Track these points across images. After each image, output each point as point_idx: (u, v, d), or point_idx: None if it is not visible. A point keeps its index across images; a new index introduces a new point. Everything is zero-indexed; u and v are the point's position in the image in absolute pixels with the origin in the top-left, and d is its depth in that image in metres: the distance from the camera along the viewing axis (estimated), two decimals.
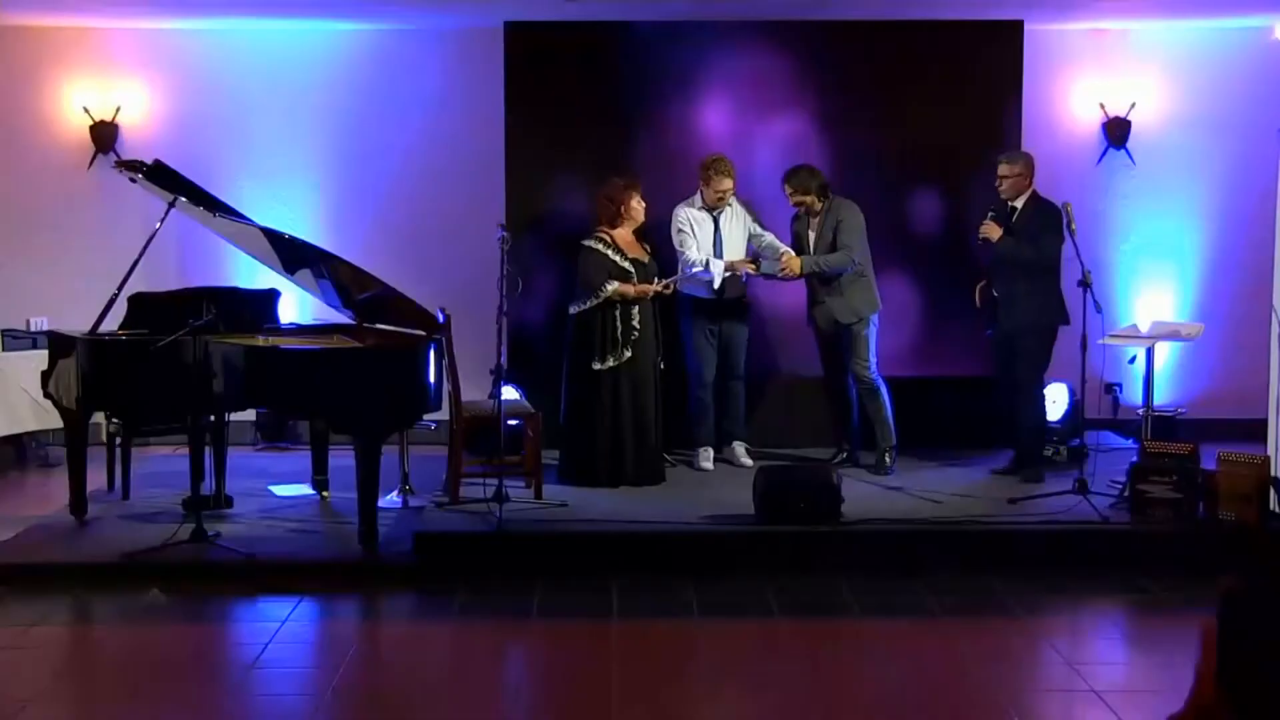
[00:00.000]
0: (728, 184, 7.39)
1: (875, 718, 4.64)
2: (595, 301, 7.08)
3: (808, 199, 7.41)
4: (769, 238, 7.50)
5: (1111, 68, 8.67)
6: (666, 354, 7.36)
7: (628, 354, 7.10)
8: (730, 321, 7.61)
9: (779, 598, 5.76)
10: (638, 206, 7.21)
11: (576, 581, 5.98)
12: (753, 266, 7.49)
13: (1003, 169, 7.13)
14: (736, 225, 7.54)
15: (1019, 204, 7.13)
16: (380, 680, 5.02)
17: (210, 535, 6.19)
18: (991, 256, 7.19)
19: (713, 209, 7.47)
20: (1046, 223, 7.04)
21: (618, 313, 7.10)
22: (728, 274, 7.38)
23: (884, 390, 7.44)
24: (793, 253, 7.37)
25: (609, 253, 7.12)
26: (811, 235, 7.48)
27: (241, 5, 8.06)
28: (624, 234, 7.20)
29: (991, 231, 7.08)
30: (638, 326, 7.12)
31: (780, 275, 7.40)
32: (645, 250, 7.29)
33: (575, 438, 7.22)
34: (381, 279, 6.68)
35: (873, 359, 7.42)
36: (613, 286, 7.06)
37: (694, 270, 7.33)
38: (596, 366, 7.08)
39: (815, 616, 5.61)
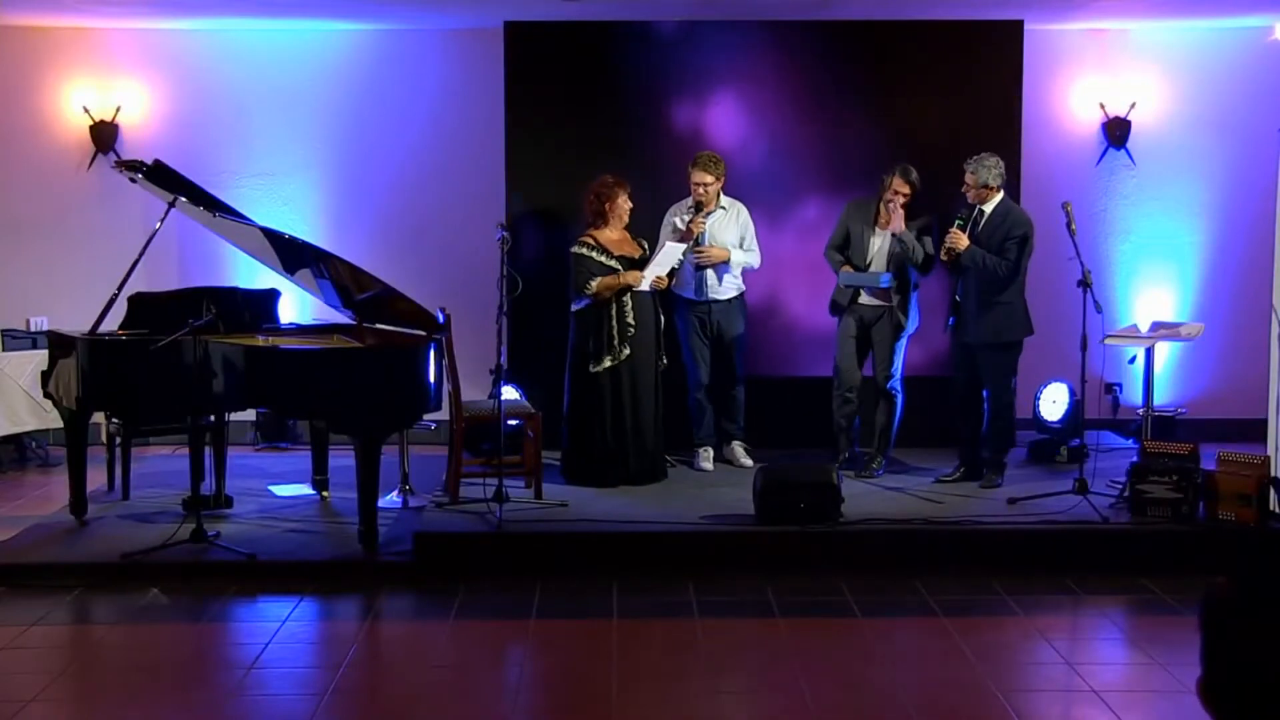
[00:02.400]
0: (703, 178, 7.30)
1: (875, 718, 4.64)
2: (588, 301, 7.08)
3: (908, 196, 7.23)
4: (746, 256, 7.44)
5: (1111, 68, 8.65)
6: (667, 353, 7.36)
7: (626, 352, 7.09)
8: (725, 321, 7.56)
9: (779, 598, 5.76)
10: (624, 205, 7.17)
11: (576, 581, 5.98)
12: (703, 230, 7.31)
13: (968, 177, 6.94)
14: (729, 231, 7.45)
15: (988, 209, 6.95)
16: (380, 680, 5.02)
17: (210, 535, 6.20)
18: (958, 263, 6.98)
19: (700, 208, 7.42)
20: (1012, 233, 6.85)
21: (614, 310, 7.09)
22: (689, 254, 7.30)
23: (900, 400, 7.39)
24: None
25: (593, 254, 7.09)
26: (882, 238, 7.24)
27: (241, 5, 8.06)
28: (609, 234, 7.17)
29: (958, 241, 6.86)
30: (633, 324, 7.10)
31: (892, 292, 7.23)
32: (640, 246, 7.26)
33: (577, 436, 7.22)
34: (381, 279, 6.68)
35: (900, 367, 7.38)
36: (596, 282, 7.04)
37: (662, 251, 7.23)
38: (593, 369, 7.08)
39: (815, 616, 5.61)
